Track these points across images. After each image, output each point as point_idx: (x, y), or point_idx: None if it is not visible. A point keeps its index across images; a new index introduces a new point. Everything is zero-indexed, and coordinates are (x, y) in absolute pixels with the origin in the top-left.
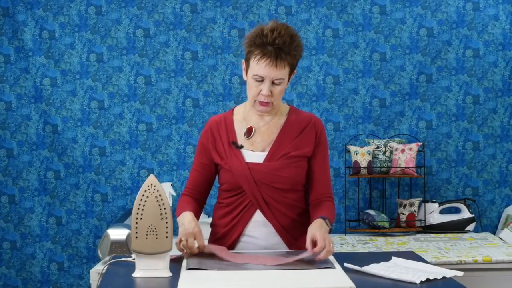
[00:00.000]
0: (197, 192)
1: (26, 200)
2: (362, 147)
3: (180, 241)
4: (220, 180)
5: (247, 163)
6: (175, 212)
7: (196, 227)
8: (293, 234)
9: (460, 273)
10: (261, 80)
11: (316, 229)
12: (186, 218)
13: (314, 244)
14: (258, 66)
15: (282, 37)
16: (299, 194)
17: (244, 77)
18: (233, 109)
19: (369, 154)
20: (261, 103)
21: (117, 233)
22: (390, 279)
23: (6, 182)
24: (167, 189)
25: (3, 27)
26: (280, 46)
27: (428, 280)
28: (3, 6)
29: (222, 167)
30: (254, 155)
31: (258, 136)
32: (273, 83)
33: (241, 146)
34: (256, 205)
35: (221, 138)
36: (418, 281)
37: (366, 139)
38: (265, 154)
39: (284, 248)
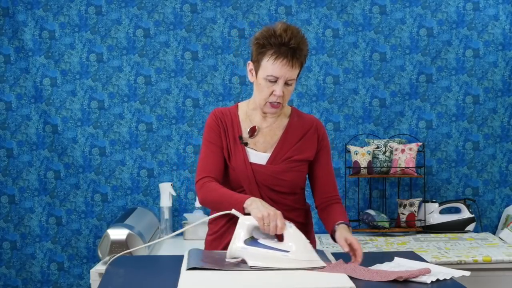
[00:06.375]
0: (218, 181)
1: (26, 200)
2: (362, 147)
3: (264, 222)
4: None
5: (250, 163)
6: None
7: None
8: None
9: (467, 273)
10: (275, 80)
11: (349, 234)
12: (260, 201)
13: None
14: (274, 66)
15: (296, 38)
16: (297, 196)
17: (251, 79)
18: (237, 105)
19: (369, 154)
20: (272, 104)
21: (117, 233)
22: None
23: (6, 182)
24: (167, 189)
25: (3, 27)
26: (295, 46)
27: (433, 281)
28: (3, 6)
29: (226, 163)
30: (257, 155)
31: (260, 137)
32: (285, 84)
33: (247, 143)
34: None
35: (227, 129)
36: (429, 281)
37: (366, 139)
38: (268, 155)
39: None
